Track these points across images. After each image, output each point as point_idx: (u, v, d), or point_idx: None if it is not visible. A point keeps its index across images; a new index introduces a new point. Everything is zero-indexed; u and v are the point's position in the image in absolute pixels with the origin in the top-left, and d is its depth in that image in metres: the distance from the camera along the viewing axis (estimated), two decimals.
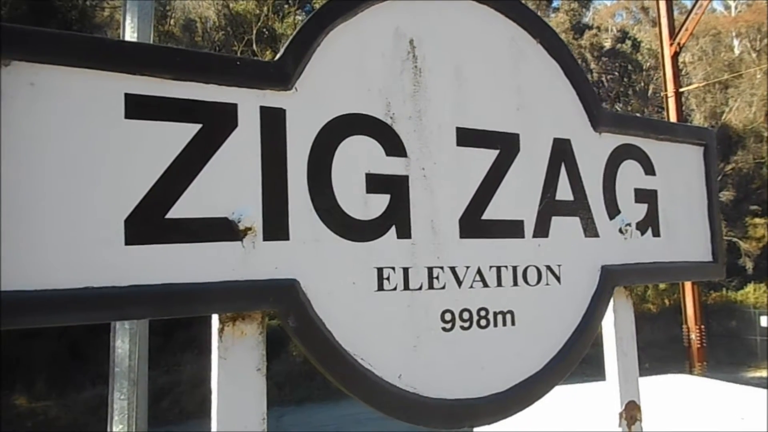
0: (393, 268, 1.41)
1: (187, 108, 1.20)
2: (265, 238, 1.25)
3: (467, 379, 1.48)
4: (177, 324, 14.00)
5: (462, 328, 1.49)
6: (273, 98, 1.30)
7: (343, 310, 1.33)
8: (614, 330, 1.76)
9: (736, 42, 34.32)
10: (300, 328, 1.27)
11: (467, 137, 1.55)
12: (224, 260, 1.20)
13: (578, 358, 1.65)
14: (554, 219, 1.67)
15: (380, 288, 1.39)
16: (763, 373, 17.71)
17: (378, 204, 1.41)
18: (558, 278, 1.66)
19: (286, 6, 23.89)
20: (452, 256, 1.49)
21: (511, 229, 1.60)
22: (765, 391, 4.19)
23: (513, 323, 1.56)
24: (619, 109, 27.33)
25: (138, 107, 1.15)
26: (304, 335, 1.28)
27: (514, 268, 1.58)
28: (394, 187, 1.43)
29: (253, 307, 1.23)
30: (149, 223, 1.14)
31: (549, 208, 1.66)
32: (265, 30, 22.20)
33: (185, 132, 1.19)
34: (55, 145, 1.07)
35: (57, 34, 1.10)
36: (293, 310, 1.26)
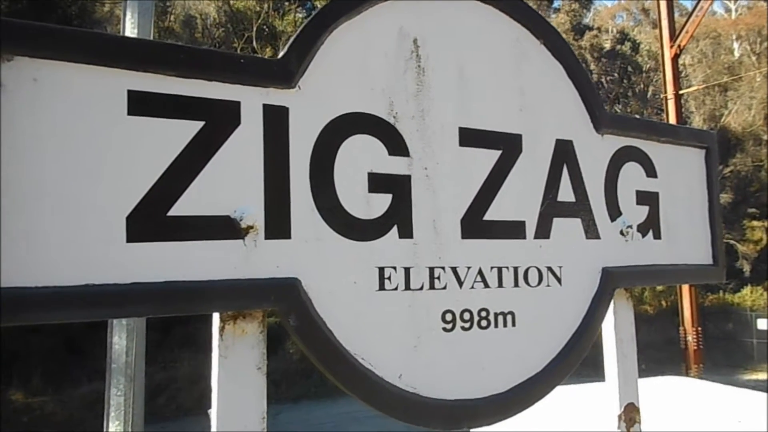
0: (394, 268, 1.40)
1: (190, 105, 1.19)
2: (267, 237, 1.25)
3: (468, 380, 1.48)
4: (174, 320, 13.98)
5: (463, 328, 1.48)
6: (276, 96, 1.30)
7: (344, 310, 1.33)
8: (614, 332, 1.76)
9: (736, 45, 34.37)
10: (301, 327, 1.27)
11: (470, 137, 1.55)
12: (226, 258, 1.20)
13: (578, 360, 1.65)
14: (556, 220, 1.67)
15: (381, 288, 1.39)
16: (759, 376, 17.75)
17: (380, 203, 1.40)
18: (559, 279, 1.65)
19: (286, 3, 23.85)
20: (454, 256, 1.49)
21: (513, 229, 1.60)
22: (763, 394, 4.19)
23: (513, 324, 1.56)
24: (618, 110, 27.37)
25: (141, 104, 1.14)
26: (305, 334, 1.28)
27: (515, 269, 1.58)
28: (397, 187, 1.43)
29: (254, 305, 1.23)
30: (151, 220, 1.13)
31: (551, 209, 1.66)
32: (265, 27, 22.18)
33: (188, 129, 1.19)
34: (57, 141, 1.06)
35: (60, 29, 1.09)
36: (294, 309, 1.26)
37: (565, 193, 1.69)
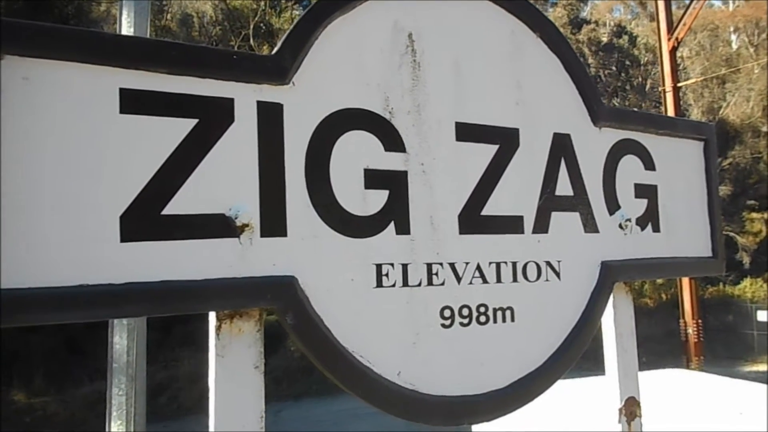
0: (392, 265, 1.40)
1: (183, 103, 1.18)
2: (263, 235, 1.24)
3: (467, 376, 1.47)
4: (175, 319, 13.97)
5: (461, 324, 1.48)
6: (270, 93, 1.28)
7: (342, 307, 1.32)
8: (614, 326, 1.75)
9: (733, 37, 34.29)
10: (298, 325, 1.26)
11: (466, 132, 1.54)
12: (221, 257, 1.19)
13: (578, 354, 1.65)
14: (554, 214, 1.66)
15: (379, 284, 1.38)
16: (759, 368, 17.79)
17: (377, 200, 1.39)
18: (558, 274, 1.65)
19: (283, 1, 23.80)
20: (451, 252, 1.48)
21: (511, 224, 1.59)
22: (763, 386, 4.19)
23: (512, 319, 1.55)
24: (616, 103, 27.32)
25: (133, 102, 1.13)
26: (302, 332, 1.27)
27: (514, 264, 1.57)
28: (393, 183, 1.42)
29: (250, 304, 1.22)
30: (145, 219, 1.12)
31: (549, 203, 1.65)
32: (262, 25, 22.13)
33: (181, 127, 1.18)
34: (49, 140, 1.05)
35: (51, 27, 1.08)
36: (291, 307, 1.25)
37: (563, 187, 1.68)
